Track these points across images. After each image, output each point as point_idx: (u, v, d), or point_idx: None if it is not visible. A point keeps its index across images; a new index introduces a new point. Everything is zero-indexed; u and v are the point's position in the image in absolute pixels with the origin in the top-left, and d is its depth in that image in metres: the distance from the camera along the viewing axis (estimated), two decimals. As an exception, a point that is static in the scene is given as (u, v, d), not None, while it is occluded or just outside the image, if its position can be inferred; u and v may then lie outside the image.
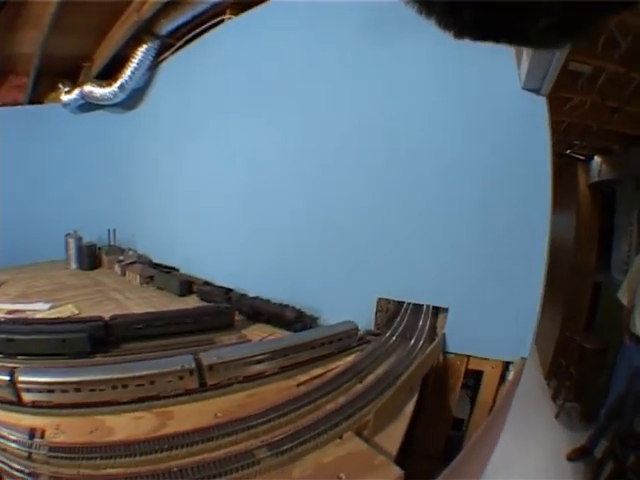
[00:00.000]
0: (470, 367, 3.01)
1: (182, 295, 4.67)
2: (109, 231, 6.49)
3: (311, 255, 3.85)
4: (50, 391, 2.15)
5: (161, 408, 2.21)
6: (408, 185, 3.28)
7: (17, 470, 1.65)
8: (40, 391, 2.15)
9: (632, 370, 3.80)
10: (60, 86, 6.71)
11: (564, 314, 5.87)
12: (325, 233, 3.74)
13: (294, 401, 2.14)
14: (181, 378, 2.29)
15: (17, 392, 2.16)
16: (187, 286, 4.76)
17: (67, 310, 4.01)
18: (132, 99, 6.19)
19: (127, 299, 4.54)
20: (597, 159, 5.62)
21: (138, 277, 5.27)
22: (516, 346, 2.86)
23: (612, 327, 4.63)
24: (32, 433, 1.89)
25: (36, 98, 6.87)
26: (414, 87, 3.26)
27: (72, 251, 6.30)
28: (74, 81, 6.65)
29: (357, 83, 3.53)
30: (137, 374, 2.23)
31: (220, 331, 3.32)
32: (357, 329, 3.05)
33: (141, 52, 5.45)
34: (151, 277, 5.18)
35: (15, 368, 2.24)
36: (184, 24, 5.02)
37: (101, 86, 6.09)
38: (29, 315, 3.83)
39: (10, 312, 3.90)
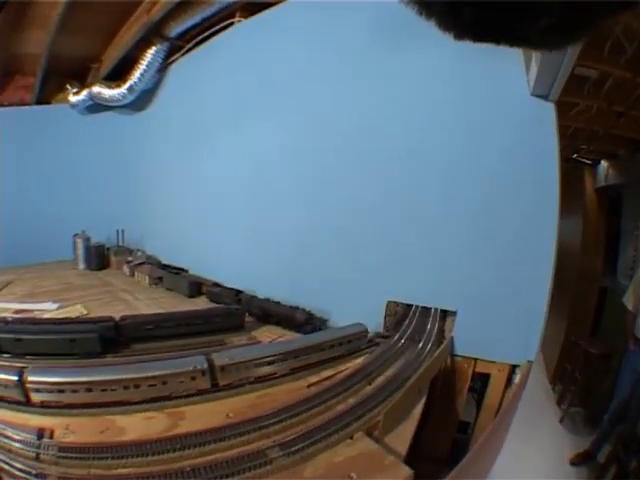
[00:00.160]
0: (477, 370, 3.02)
1: (191, 296, 4.68)
2: (118, 232, 6.52)
3: (321, 257, 3.86)
4: (61, 391, 2.15)
5: (173, 408, 2.22)
6: (417, 189, 3.30)
7: (20, 470, 1.65)
8: (50, 391, 2.15)
9: (636, 375, 3.79)
10: (68, 87, 6.75)
11: (570, 318, 5.85)
12: (335, 236, 3.76)
13: (305, 402, 2.16)
14: (193, 378, 2.30)
15: (26, 392, 2.16)
16: (196, 287, 4.77)
17: (76, 310, 4.02)
18: (141, 100, 6.22)
19: (136, 300, 4.55)
20: (604, 163, 5.61)
21: (147, 278, 5.28)
22: (523, 349, 2.87)
23: (617, 332, 4.62)
24: (40, 433, 1.89)
25: (43, 98, 6.90)
26: (424, 94, 3.28)
27: (80, 251, 6.33)
28: (82, 82, 6.69)
29: (366, 86, 3.55)
30: (150, 374, 2.24)
31: (230, 332, 3.33)
32: (366, 331, 3.07)
33: (150, 54, 5.48)
34: (160, 278, 5.19)
35: (24, 368, 2.24)
36: (193, 26, 5.05)
37: (110, 87, 6.12)
38: (37, 315, 3.83)
39: (17, 312, 3.89)
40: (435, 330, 3.07)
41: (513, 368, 2.93)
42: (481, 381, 3.13)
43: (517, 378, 2.87)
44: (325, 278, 3.80)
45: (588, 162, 5.92)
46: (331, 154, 3.79)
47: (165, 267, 5.50)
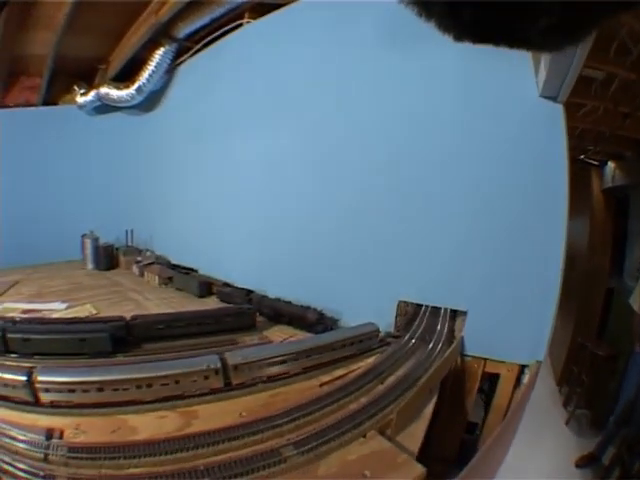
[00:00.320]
0: (487, 370, 3.03)
1: (201, 296, 4.68)
2: (126, 232, 6.54)
3: (332, 257, 3.87)
4: (71, 391, 2.15)
5: (185, 407, 2.22)
6: (427, 189, 3.31)
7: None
8: (60, 391, 2.15)
9: (642, 377, 3.80)
10: (75, 88, 6.76)
11: (576, 320, 5.85)
12: (347, 235, 3.76)
13: (317, 401, 2.17)
14: (206, 378, 2.31)
15: (35, 392, 2.15)
16: (206, 287, 4.76)
17: (85, 310, 4.03)
18: (149, 101, 6.24)
19: (146, 300, 4.55)
20: (611, 164, 5.62)
21: (157, 278, 5.29)
22: (532, 349, 2.88)
23: (624, 333, 4.62)
24: (49, 434, 1.88)
25: (50, 99, 6.91)
26: (434, 95, 3.29)
27: (88, 251, 6.35)
28: (89, 83, 6.70)
29: (377, 86, 3.57)
30: (163, 373, 2.24)
31: (242, 332, 3.34)
32: (378, 331, 3.07)
33: (159, 55, 5.49)
34: (170, 278, 5.20)
35: (33, 368, 2.23)
36: (202, 27, 5.05)
37: (118, 88, 6.13)
38: (45, 315, 3.84)
39: (25, 311, 3.89)
40: (445, 330, 3.08)
41: (522, 368, 2.94)
42: (489, 382, 3.14)
43: (526, 378, 2.88)
44: (336, 278, 3.80)
45: (595, 163, 5.93)
46: (342, 154, 3.79)
47: (175, 267, 5.50)
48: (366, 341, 2.96)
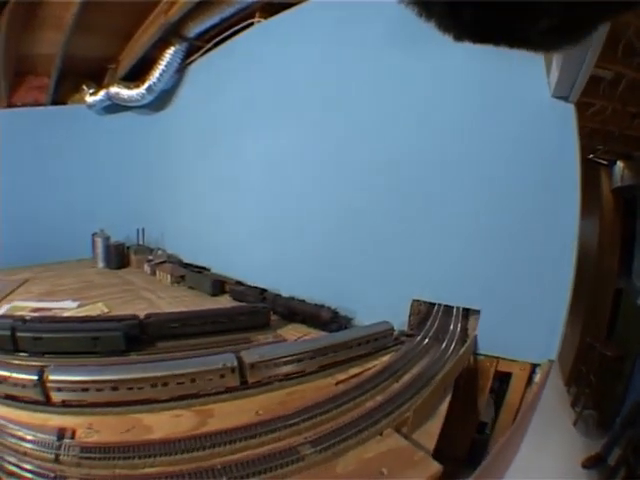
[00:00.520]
0: (499, 369, 3.03)
1: (214, 295, 4.69)
2: (138, 231, 6.53)
3: (346, 257, 3.88)
4: (85, 390, 2.15)
5: (201, 406, 2.23)
6: (441, 190, 3.33)
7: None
8: (73, 390, 2.15)
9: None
10: (84, 87, 6.78)
11: (585, 320, 5.83)
12: (361, 235, 3.77)
13: (334, 399, 2.18)
14: (222, 376, 2.32)
15: (46, 391, 2.14)
16: (219, 285, 4.78)
17: (97, 308, 4.04)
18: (160, 101, 6.25)
19: (159, 298, 4.56)
20: (619, 164, 5.60)
21: (169, 276, 5.31)
22: (544, 348, 2.89)
23: (632, 334, 4.61)
24: (61, 434, 1.86)
25: (59, 99, 6.90)
26: (446, 96, 3.30)
27: (99, 250, 6.36)
28: (98, 82, 6.70)
29: (386, 86, 3.58)
30: (179, 372, 2.25)
31: (256, 331, 3.34)
32: (392, 329, 3.09)
33: (169, 54, 5.51)
34: (182, 277, 5.22)
35: (44, 367, 2.22)
36: (212, 27, 5.06)
37: (128, 88, 6.15)
38: (56, 313, 3.83)
39: (35, 310, 3.87)
40: (458, 329, 3.09)
41: (533, 367, 2.94)
42: (500, 381, 3.14)
43: (537, 377, 2.88)
44: (350, 277, 3.81)
45: (604, 162, 5.90)
46: (355, 154, 3.80)
47: (187, 266, 5.51)
48: (381, 339, 2.97)
